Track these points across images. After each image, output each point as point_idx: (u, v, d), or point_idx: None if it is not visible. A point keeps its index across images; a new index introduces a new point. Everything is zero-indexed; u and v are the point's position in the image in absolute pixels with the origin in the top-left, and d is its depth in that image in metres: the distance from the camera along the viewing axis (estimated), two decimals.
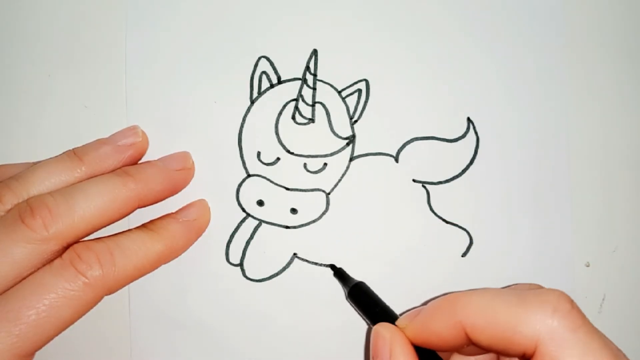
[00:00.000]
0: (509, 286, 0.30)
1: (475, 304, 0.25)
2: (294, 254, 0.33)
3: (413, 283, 0.33)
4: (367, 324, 0.32)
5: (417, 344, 0.26)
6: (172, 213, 0.32)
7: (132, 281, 0.29)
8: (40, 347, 0.27)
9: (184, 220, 0.31)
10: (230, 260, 0.33)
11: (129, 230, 0.31)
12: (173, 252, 0.30)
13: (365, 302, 0.30)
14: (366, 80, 0.33)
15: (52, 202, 0.27)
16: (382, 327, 0.27)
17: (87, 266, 0.27)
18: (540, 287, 0.28)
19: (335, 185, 0.33)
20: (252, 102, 0.33)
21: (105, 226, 0.29)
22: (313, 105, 0.33)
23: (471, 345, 0.25)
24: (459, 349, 0.27)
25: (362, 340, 0.33)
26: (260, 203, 0.33)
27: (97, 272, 0.27)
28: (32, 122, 0.33)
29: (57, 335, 0.27)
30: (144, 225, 0.31)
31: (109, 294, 0.28)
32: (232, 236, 0.33)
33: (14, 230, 0.27)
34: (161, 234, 0.30)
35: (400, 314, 0.28)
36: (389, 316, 0.29)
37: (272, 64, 0.33)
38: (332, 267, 0.33)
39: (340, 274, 0.32)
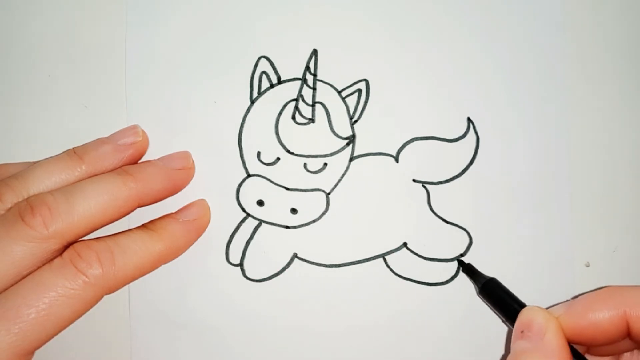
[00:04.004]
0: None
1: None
2: (294, 254, 0.33)
3: (412, 283, 0.33)
4: (502, 321, 0.32)
5: (570, 335, 0.26)
6: (172, 213, 0.32)
7: (132, 281, 0.29)
8: (39, 346, 0.27)
9: (184, 220, 0.31)
10: (230, 260, 0.33)
11: (129, 230, 0.31)
12: (173, 252, 0.30)
13: (501, 298, 0.30)
14: (366, 80, 0.33)
15: (52, 201, 0.27)
16: (535, 313, 0.27)
17: (87, 265, 0.27)
18: None
19: (335, 185, 0.33)
20: (252, 102, 0.33)
21: (105, 225, 0.29)
22: (313, 105, 0.33)
23: (625, 340, 0.25)
24: (611, 343, 0.27)
25: (362, 340, 0.33)
26: (260, 203, 0.33)
27: (97, 271, 0.27)
28: (32, 122, 0.33)
29: (57, 334, 0.27)
30: (144, 225, 0.31)
31: (109, 293, 0.28)
32: (232, 236, 0.33)
33: (14, 228, 0.27)
34: (161, 234, 0.30)
35: None
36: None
37: (272, 64, 0.33)
38: (460, 262, 0.32)
39: (469, 269, 0.32)
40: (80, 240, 0.29)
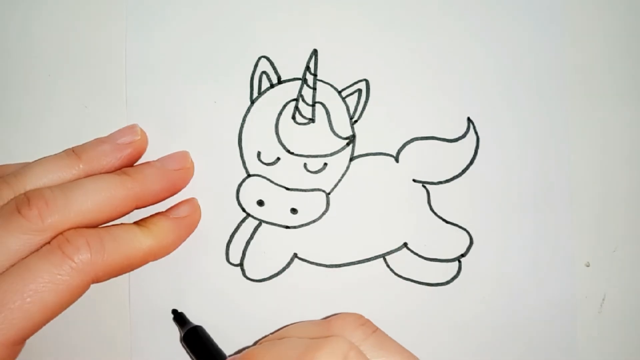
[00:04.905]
0: (328, 317, 0.30)
1: None
2: (294, 254, 0.33)
3: (413, 283, 0.33)
4: None
5: None
6: (163, 211, 0.32)
7: (120, 272, 0.29)
8: (27, 335, 0.26)
9: (174, 217, 0.31)
10: (230, 260, 0.33)
11: (121, 223, 0.30)
12: (163, 248, 0.30)
13: (198, 346, 0.31)
14: (366, 80, 0.33)
15: (50, 195, 0.27)
16: None
17: (75, 249, 0.27)
18: (352, 320, 0.28)
19: (336, 185, 0.33)
20: (252, 102, 0.33)
21: (101, 224, 0.29)
22: (313, 105, 0.33)
23: None
24: None
25: None
26: (260, 203, 0.33)
27: (85, 256, 0.27)
28: (32, 122, 0.33)
29: (44, 322, 0.27)
30: (135, 222, 0.31)
31: (97, 281, 0.28)
32: (232, 236, 0.33)
33: (10, 220, 0.27)
34: (152, 229, 0.30)
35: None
36: None
37: (272, 64, 0.33)
38: (174, 311, 0.32)
39: (180, 317, 0.32)
40: (72, 229, 0.28)
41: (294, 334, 0.27)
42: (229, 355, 0.30)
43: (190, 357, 0.31)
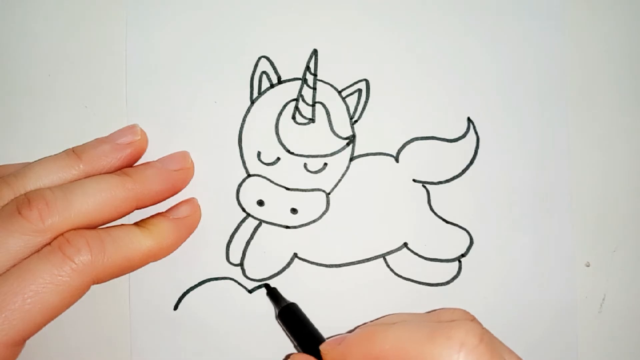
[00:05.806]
0: (434, 310, 0.31)
1: (390, 339, 0.25)
2: (294, 254, 0.33)
3: (413, 283, 0.33)
4: (295, 346, 0.32)
5: None
6: (163, 212, 0.32)
7: (121, 273, 0.29)
8: (28, 336, 0.26)
9: (174, 218, 0.31)
10: (230, 260, 0.33)
11: (121, 224, 0.30)
12: (163, 248, 0.30)
13: (294, 323, 0.31)
14: (366, 80, 0.33)
15: (50, 195, 0.27)
16: (299, 357, 0.29)
17: (75, 250, 0.27)
18: (462, 314, 0.28)
19: (336, 185, 0.33)
20: (252, 102, 0.33)
21: (101, 224, 0.29)
22: (313, 105, 0.33)
23: None
24: None
25: None
26: (261, 203, 0.33)
27: (85, 257, 0.27)
28: (32, 122, 0.33)
29: (45, 323, 0.27)
30: (135, 223, 0.31)
31: (97, 282, 0.28)
32: (232, 236, 0.33)
33: (10, 221, 0.27)
34: (152, 230, 0.30)
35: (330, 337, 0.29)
36: (316, 340, 0.29)
37: (272, 64, 0.33)
38: (267, 286, 0.32)
39: (273, 293, 0.32)
40: (72, 230, 0.28)
41: (404, 319, 0.27)
42: (328, 338, 0.29)
43: (287, 335, 0.31)
